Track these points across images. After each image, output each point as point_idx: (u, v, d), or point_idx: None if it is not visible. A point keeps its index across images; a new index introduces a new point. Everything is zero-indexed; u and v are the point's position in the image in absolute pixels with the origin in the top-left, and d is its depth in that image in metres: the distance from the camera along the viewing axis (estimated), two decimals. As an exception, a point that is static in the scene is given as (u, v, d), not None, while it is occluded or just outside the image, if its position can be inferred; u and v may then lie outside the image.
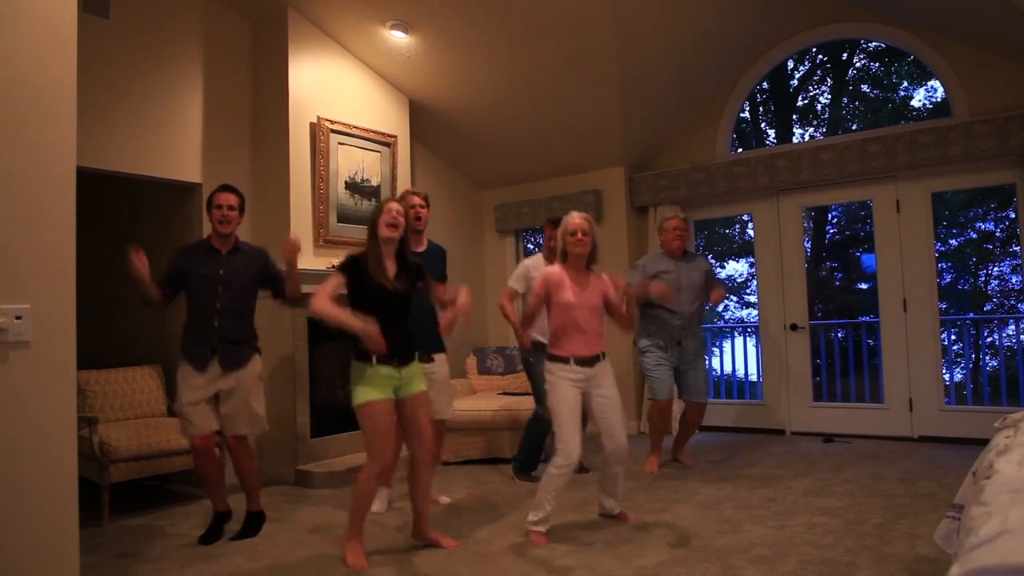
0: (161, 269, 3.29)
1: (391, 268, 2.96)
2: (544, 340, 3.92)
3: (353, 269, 2.88)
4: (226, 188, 3.39)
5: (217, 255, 3.33)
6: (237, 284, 3.31)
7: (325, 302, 2.75)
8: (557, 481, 3.10)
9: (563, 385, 3.17)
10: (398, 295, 2.92)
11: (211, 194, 3.38)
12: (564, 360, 3.19)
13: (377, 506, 3.61)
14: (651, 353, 4.43)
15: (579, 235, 3.22)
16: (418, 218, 3.67)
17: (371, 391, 2.81)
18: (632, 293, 3.58)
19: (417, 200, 3.72)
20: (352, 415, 2.91)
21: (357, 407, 2.83)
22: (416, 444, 2.98)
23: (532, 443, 4.30)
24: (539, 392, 4.15)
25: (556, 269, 3.28)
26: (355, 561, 2.83)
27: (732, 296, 12.09)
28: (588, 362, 3.21)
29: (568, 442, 3.10)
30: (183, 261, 3.32)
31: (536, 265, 4.17)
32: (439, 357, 3.74)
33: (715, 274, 4.76)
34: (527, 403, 4.76)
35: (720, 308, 11.92)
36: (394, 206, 2.96)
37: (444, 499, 3.84)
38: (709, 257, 11.41)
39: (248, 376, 3.31)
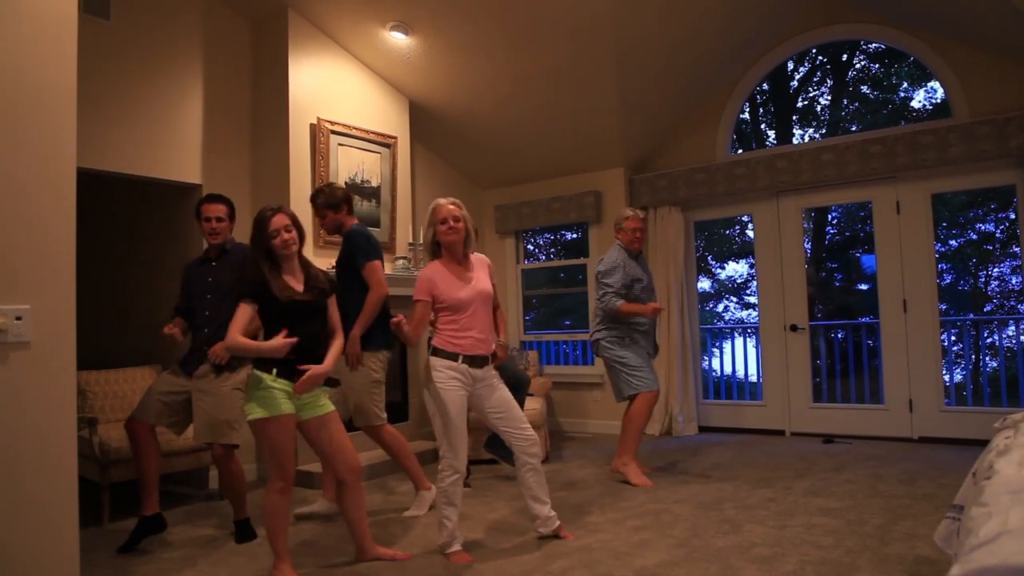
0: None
1: (297, 282, 2.77)
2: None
3: (259, 292, 2.67)
4: (214, 199, 3.38)
5: (208, 265, 3.38)
6: (220, 290, 3.30)
7: (236, 337, 2.61)
8: (451, 491, 2.89)
9: (451, 386, 2.88)
10: (310, 307, 2.74)
11: (199, 203, 3.37)
12: (452, 357, 2.90)
13: (326, 507, 3.60)
14: (634, 348, 4.23)
15: (450, 222, 2.93)
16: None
17: (271, 405, 2.63)
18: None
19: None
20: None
21: (256, 421, 2.64)
22: (337, 465, 2.80)
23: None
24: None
25: (432, 268, 2.97)
26: None
27: (732, 297, 12.09)
28: (479, 363, 2.94)
29: (457, 449, 2.88)
30: (188, 275, 3.44)
31: None
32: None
33: None
34: (529, 403, 4.76)
35: (720, 309, 11.92)
36: (282, 222, 2.70)
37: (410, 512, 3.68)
38: (709, 258, 11.42)
39: (227, 382, 3.27)
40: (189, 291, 3.41)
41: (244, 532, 3.31)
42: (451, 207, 2.96)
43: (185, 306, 3.42)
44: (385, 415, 3.64)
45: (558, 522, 3.12)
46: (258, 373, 2.66)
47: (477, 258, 3.08)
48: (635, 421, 4.22)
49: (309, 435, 2.80)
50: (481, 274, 3.03)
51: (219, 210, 3.34)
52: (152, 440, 3.26)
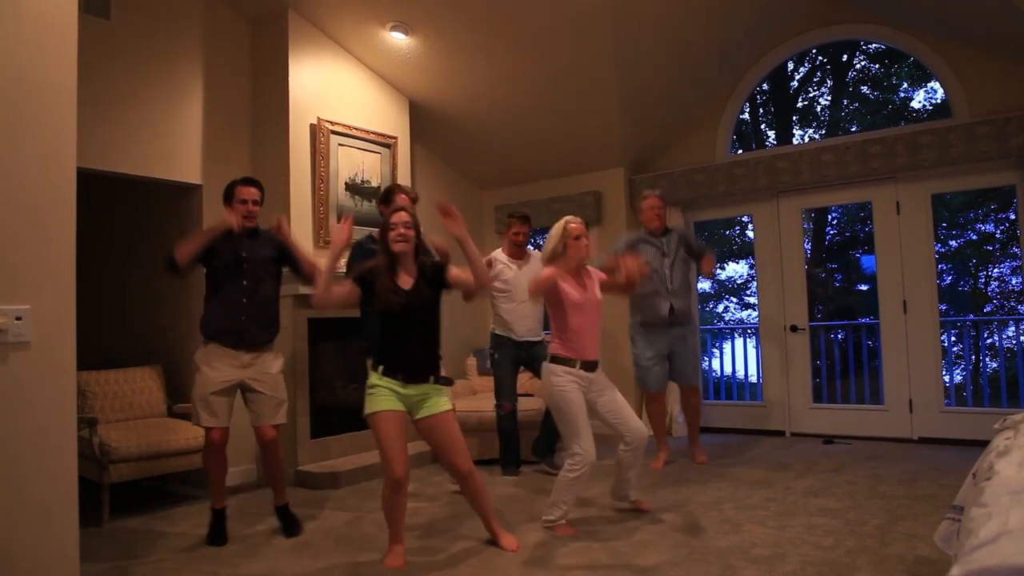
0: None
1: (407, 279, 2.86)
2: (504, 334, 4.38)
3: (364, 283, 2.85)
4: (249, 181, 3.41)
5: (237, 239, 3.34)
6: (258, 264, 3.34)
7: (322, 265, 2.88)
8: (576, 483, 3.18)
9: (571, 388, 3.18)
10: (406, 310, 2.81)
11: (231, 186, 3.39)
12: (571, 363, 3.20)
13: None
14: (640, 341, 4.49)
15: (584, 240, 3.29)
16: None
17: (375, 401, 2.81)
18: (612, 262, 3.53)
19: (405, 207, 3.41)
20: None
21: (367, 416, 2.84)
22: (447, 465, 2.98)
23: (510, 441, 4.50)
24: (500, 387, 4.43)
25: (554, 269, 3.25)
26: (389, 561, 2.86)
27: (732, 297, 12.09)
28: (592, 367, 3.25)
29: (586, 446, 3.14)
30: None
31: (499, 257, 4.44)
32: None
33: (694, 238, 4.83)
34: (529, 404, 4.75)
35: (720, 309, 11.92)
36: (401, 218, 2.85)
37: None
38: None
39: (273, 365, 3.39)
40: (211, 255, 3.28)
41: (288, 519, 3.39)
42: (582, 225, 3.30)
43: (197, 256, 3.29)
44: None
45: (635, 497, 3.46)
46: (372, 372, 2.86)
47: (587, 272, 3.38)
48: (648, 416, 4.55)
49: (422, 433, 2.91)
50: (592, 284, 3.33)
51: (254, 193, 3.38)
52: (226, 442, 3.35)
